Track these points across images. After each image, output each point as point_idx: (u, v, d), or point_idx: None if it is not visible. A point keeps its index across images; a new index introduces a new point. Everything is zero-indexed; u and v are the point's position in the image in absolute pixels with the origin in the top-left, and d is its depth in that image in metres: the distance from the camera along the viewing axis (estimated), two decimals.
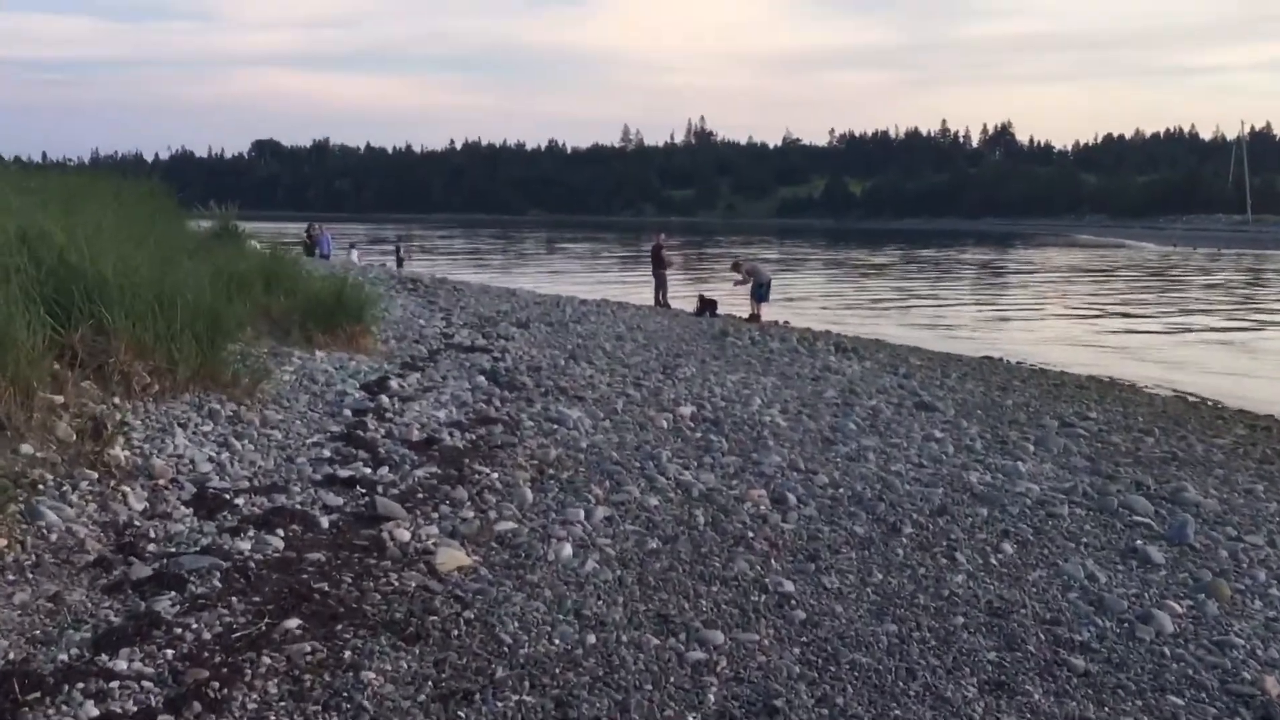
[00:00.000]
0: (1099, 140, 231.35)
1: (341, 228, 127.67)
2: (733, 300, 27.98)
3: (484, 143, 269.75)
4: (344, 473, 7.15)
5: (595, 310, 22.94)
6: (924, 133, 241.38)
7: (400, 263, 41.36)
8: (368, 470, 7.31)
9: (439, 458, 7.96)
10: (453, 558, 5.88)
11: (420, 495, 6.98)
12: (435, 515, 6.63)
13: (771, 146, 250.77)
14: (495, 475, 7.75)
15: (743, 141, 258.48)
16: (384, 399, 9.63)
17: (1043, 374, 19.70)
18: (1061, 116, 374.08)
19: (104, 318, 7.75)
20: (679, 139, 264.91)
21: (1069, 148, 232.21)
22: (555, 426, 9.73)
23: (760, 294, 26.53)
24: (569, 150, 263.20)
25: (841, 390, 14.44)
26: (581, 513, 7.12)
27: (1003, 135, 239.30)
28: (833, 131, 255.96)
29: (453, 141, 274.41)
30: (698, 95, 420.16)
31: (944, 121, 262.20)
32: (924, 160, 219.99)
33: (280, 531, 5.84)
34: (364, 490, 6.86)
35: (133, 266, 9.37)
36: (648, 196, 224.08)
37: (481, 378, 11.63)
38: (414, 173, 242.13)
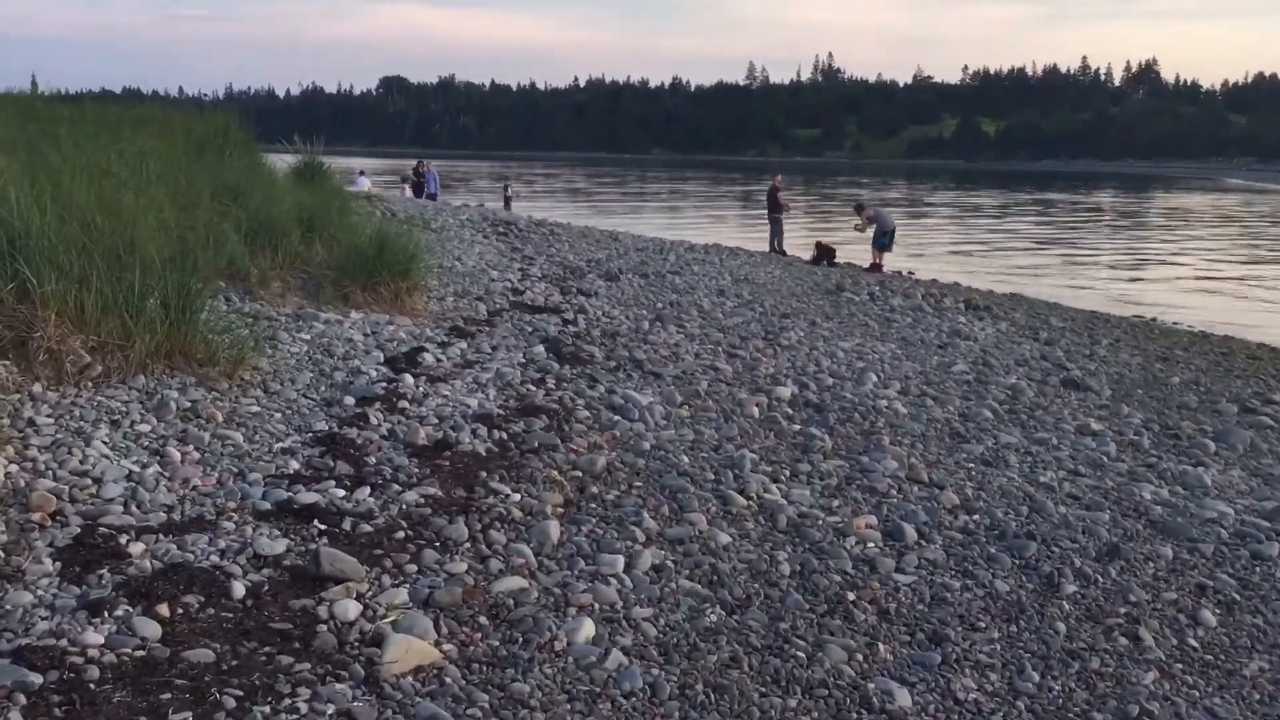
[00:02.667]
0: (1249, 79, 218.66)
1: (465, 165, 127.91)
2: (853, 247, 25.68)
3: (607, 80, 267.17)
4: (306, 496, 5.33)
5: (701, 258, 20.94)
6: (1063, 70, 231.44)
7: (507, 203, 39.66)
8: (340, 492, 5.48)
9: (447, 471, 6.09)
10: (412, 650, 4.03)
11: (399, 534, 5.13)
12: (410, 569, 4.77)
13: (901, 84, 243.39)
14: (517, 497, 5.86)
15: (871, 79, 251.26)
16: (408, 379, 7.82)
17: (1204, 339, 17.13)
18: (1210, 54, 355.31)
19: (25, 278, 6.03)
20: (805, 76, 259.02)
21: (1217, 87, 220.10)
22: (616, 418, 7.81)
23: (883, 242, 24.20)
24: (693, 88, 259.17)
25: (973, 362, 12.26)
26: (621, 560, 5.20)
27: (1147, 73, 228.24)
28: (966, 69, 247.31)
29: (576, 79, 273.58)
30: (825, 31, 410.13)
31: (1084, 58, 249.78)
32: (1062, 99, 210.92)
33: (164, 608, 4.03)
34: (322, 526, 5.03)
35: (115, 211, 7.71)
36: (772, 135, 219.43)
37: (541, 347, 9.78)
38: (537, 110, 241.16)
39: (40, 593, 4.08)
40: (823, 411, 8.97)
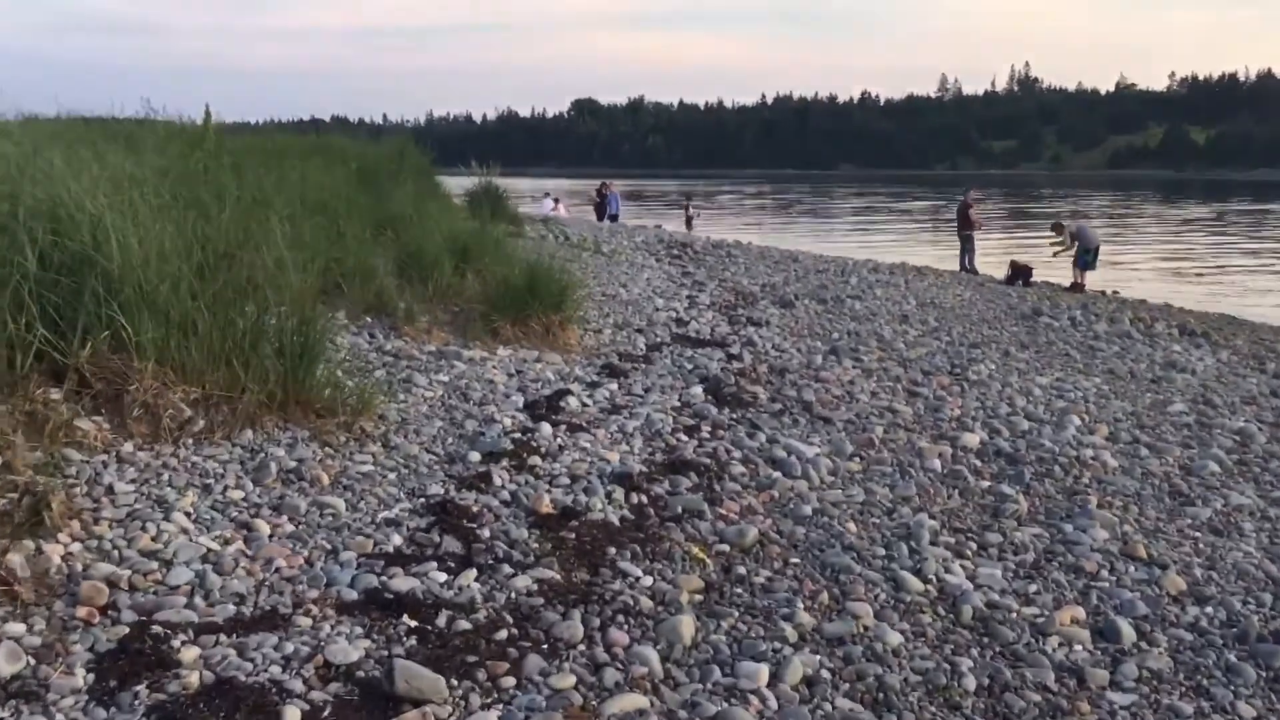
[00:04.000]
0: None
1: (653, 185, 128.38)
2: (1053, 267, 23.99)
3: (795, 96, 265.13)
4: (400, 583, 4.58)
5: (885, 280, 19.77)
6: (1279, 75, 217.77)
7: (689, 223, 38.97)
8: (441, 577, 4.71)
9: (571, 546, 5.27)
10: None
11: (501, 634, 4.32)
12: (506, 683, 3.96)
13: (1103, 92, 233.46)
14: (649, 581, 5.00)
15: (1070, 88, 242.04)
16: (545, 429, 7.06)
17: None
18: None
19: (121, 327, 5.49)
20: (1000, 86, 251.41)
21: None
22: (775, 474, 6.88)
23: (1085, 260, 22.49)
24: (882, 102, 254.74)
25: (1192, 400, 10.81)
26: (765, 670, 4.28)
27: None
28: (1173, 75, 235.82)
29: (763, 96, 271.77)
30: (1021, 40, 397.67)
31: None
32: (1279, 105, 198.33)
33: None
34: (412, 623, 4.27)
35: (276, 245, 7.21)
36: (965, 148, 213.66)
37: (699, 388, 8.93)
38: (724, 128, 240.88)
39: (60, 717, 3.41)
40: (1017, 464, 7.83)
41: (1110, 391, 10.93)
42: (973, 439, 8.34)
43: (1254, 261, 35.26)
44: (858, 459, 7.60)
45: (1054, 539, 6.35)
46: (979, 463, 7.84)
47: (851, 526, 6.15)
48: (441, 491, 5.72)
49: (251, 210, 9.99)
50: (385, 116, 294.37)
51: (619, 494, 6.04)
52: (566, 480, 6.17)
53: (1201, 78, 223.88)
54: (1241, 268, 32.95)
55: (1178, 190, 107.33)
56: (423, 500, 5.58)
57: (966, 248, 25.81)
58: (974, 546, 6.08)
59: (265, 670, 3.80)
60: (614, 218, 37.10)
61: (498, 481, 5.98)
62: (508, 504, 5.70)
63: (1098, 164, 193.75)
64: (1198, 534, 6.64)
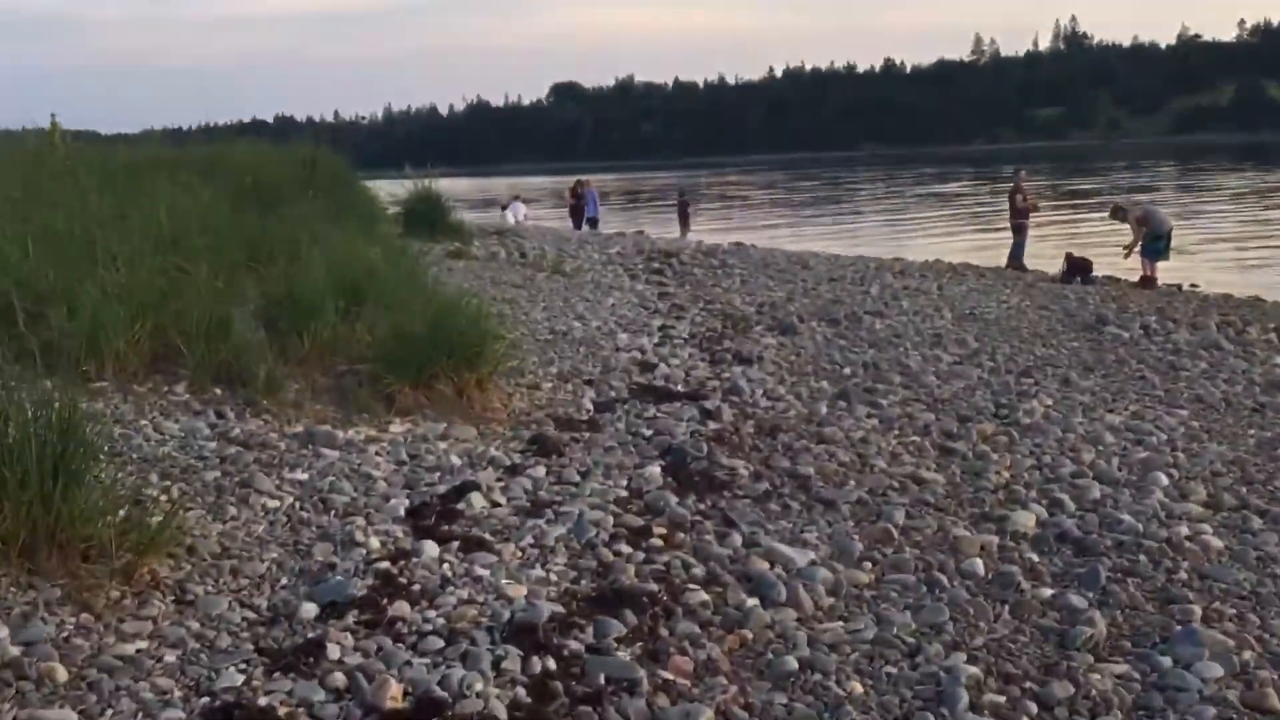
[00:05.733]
0: None
1: (649, 179, 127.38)
2: (1114, 255, 22.82)
3: (808, 68, 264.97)
4: None
5: (915, 286, 18.72)
6: None
7: (684, 223, 37.85)
8: None
9: None
10: None
11: None
12: None
13: (1163, 47, 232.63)
14: None
15: (1125, 43, 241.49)
16: (428, 550, 5.84)
17: None
18: None
19: None
20: (1043, 45, 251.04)
21: None
22: (750, 603, 5.63)
23: (1156, 249, 21.25)
24: (908, 69, 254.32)
25: None
26: None
27: None
28: (1243, 23, 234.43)
29: (771, 70, 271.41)
30: None
31: None
32: None
33: None
34: None
35: None
36: (1006, 118, 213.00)
37: (657, 466, 7.75)
38: (728, 109, 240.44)
39: None
40: (1088, 555, 6.60)
41: (1202, 429, 9.75)
42: (1027, 519, 7.13)
43: None
44: (869, 563, 6.36)
45: (1146, 681, 5.12)
46: (1036, 556, 6.61)
47: (856, 687, 4.90)
48: (240, 681, 4.43)
49: (72, 250, 8.92)
50: (337, 114, 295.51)
51: (514, 661, 4.77)
52: (438, 643, 4.90)
53: (1277, 24, 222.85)
54: None
55: (1255, 156, 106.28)
56: (207, 700, 4.29)
57: (1018, 238, 24.79)
58: (1033, 709, 4.82)
59: None
60: (592, 222, 36.25)
61: (334, 654, 4.71)
62: (338, 697, 4.41)
63: (1161, 129, 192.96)
64: None
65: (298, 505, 6.42)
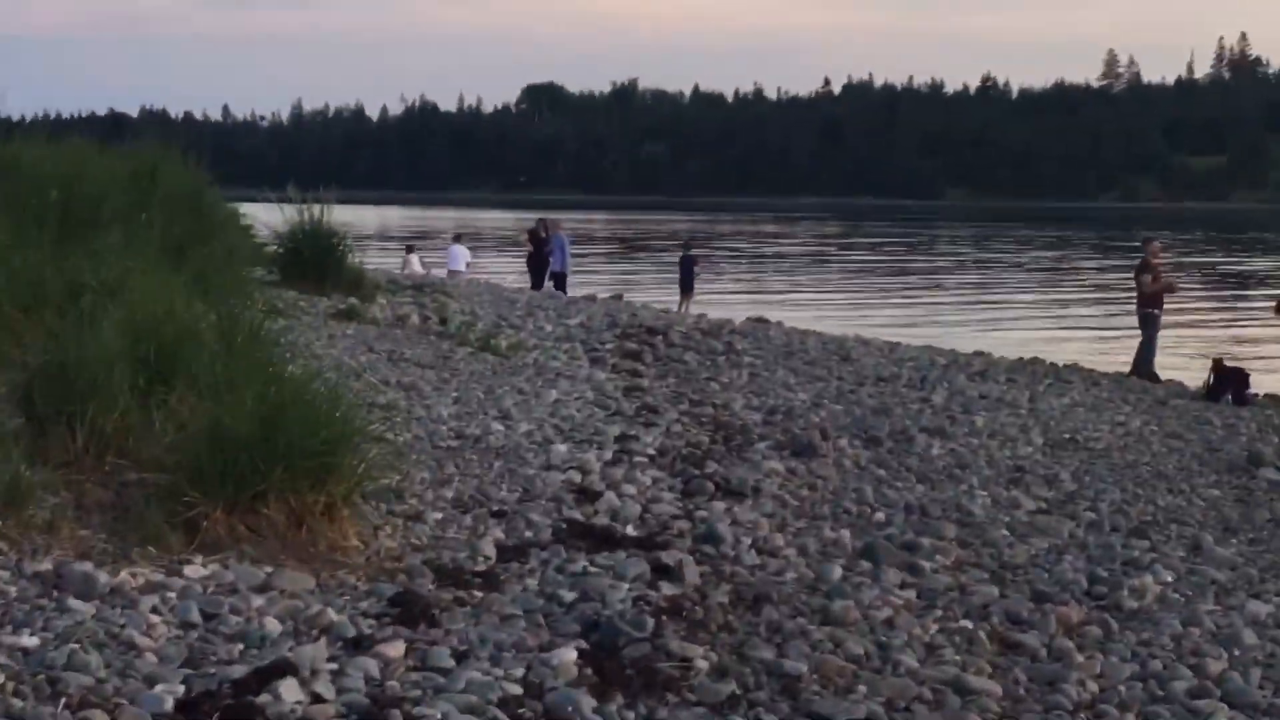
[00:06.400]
0: None
1: (648, 221, 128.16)
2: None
3: (877, 83, 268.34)
4: None
5: (997, 396, 18.69)
6: None
7: (687, 287, 37.78)
8: None
9: None
10: None
11: None
12: None
13: None
14: None
15: None
16: None
17: None
18: None
19: None
20: (1200, 71, 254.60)
21: None
22: None
23: None
24: (1014, 93, 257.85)
25: None
26: None
27: None
28: None
29: (827, 82, 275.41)
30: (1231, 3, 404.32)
31: None
32: None
33: None
34: None
35: None
36: (1145, 165, 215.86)
37: (573, 649, 7.41)
38: (765, 132, 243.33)
39: None
40: None
41: None
42: None
43: None
44: None
45: None
46: None
47: None
48: None
49: None
50: (228, 110, 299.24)
51: None
52: None
53: None
54: None
55: None
56: None
57: (1147, 333, 24.84)
58: None
59: None
60: (558, 278, 36.47)
61: None
62: None
63: None
64: None
65: (9, 688, 5.97)
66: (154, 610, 7.14)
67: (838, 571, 9.51)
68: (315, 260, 21.31)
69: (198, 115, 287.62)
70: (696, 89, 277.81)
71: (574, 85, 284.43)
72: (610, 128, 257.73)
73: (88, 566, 7.49)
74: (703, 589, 8.85)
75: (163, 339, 9.66)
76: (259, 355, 10.29)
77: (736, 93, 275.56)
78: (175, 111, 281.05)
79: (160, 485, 8.43)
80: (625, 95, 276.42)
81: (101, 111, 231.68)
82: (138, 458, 8.82)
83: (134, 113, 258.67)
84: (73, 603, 7.00)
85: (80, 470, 8.59)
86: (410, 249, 42.95)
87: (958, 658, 8.05)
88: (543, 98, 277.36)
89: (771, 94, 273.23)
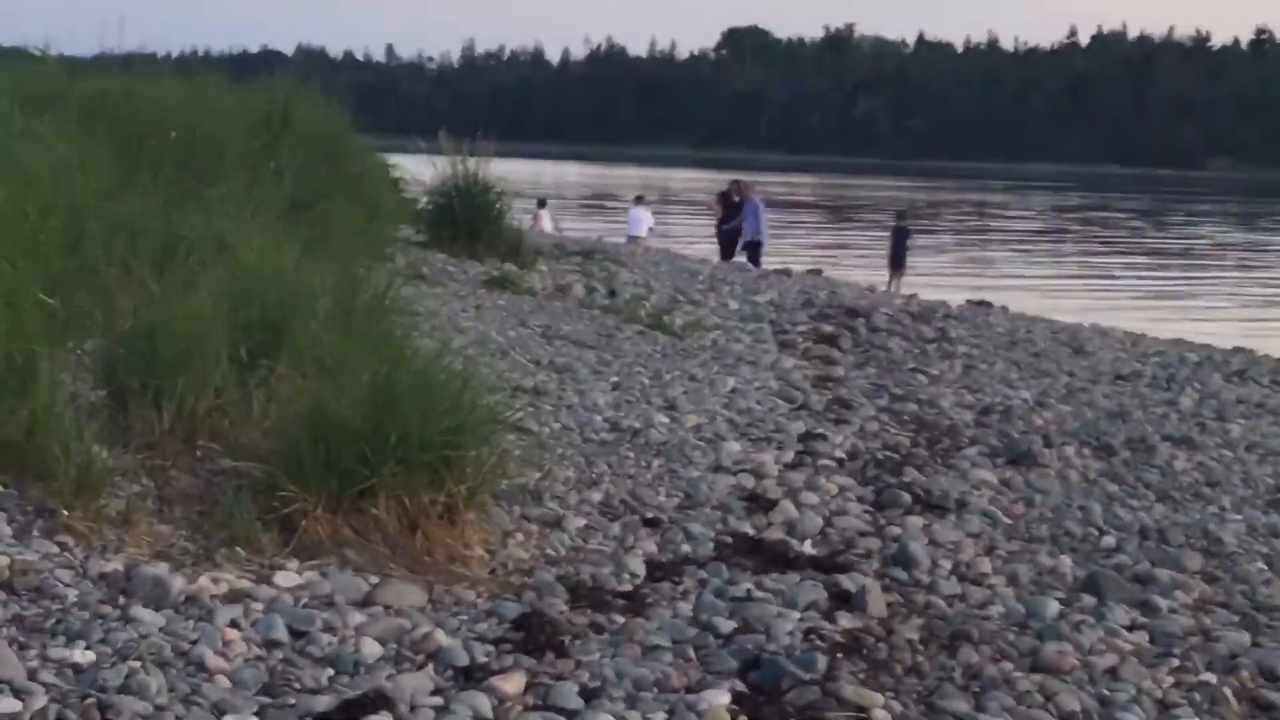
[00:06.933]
0: None
1: (859, 186, 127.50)
2: None
3: (1130, 34, 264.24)
4: None
5: (1259, 401, 18.25)
6: None
7: (897, 261, 37.44)
8: None
9: None
10: None
11: None
12: None
13: None
14: None
15: None
16: None
17: None
18: None
19: None
20: None
21: None
22: None
23: None
24: None
25: None
26: None
27: None
28: None
29: (1073, 32, 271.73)
30: None
31: None
32: None
33: None
34: None
35: None
36: None
37: (726, 690, 7.19)
38: (996, 87, 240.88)
39: None
40: None
41: None
42: None
43: None
44: None
45: None
46: None
47: None
48: None
49: None
50: (391, 50, 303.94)
51: None
52: None
53: None
54: None
55: None
56: None
57: None
58: None
59: None
60: (752, 248, 36.25)
61: None
62: None
63: None
64: None
65: (50, 712, 5.79)
66: (233, 624, 6.97)
67: (1053, 607, 9.14)
68: (468, 220, 21.28)
69: (358, 55, 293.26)
70: (921, 37, 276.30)
71: (782, 30, 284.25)
72: (821, 79, 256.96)
73: (162, 569, 7.36)
74: (889, 622, 8.56)
75: (267, 305, 9.60)
76: (380, 327, 10.16)
77: (967, 42, 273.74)
78: (334, 50, 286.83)
79: (253, 476, 8.33)
80: (839, 42, 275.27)
81: (254, 49, 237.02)
82: (232, 443, 8.76)
83: (289, 51, 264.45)
84: (138, 611, 6.87)
85: (165, 455, 8.57)
86: (542, 203, 42.81)
87: (1197, 719, 7.72)
88: (745, 43, 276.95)
89: (1007, 44, 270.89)
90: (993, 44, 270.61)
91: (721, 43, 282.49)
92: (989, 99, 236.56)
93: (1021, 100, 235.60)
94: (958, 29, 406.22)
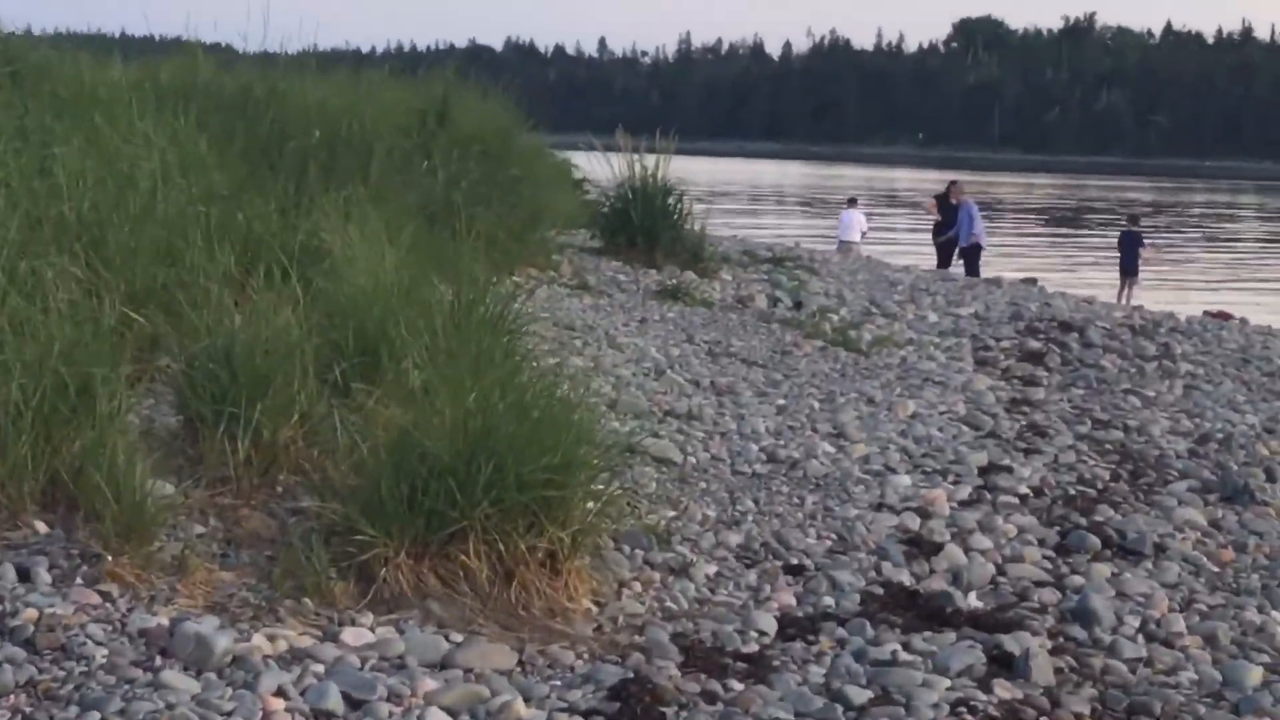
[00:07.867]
0: None
1: (1103, 185, 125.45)
2: None
3: None
4: None
5: None
6: None
7: (1129, 268, 36.46)
8: None
9: None
10: None
11: None
12: None
13: None
14: None
15: None
16: None
17: None
18: None
19: None
20: None
21: None
22: None
23: None
24: None
25: None
26: None
27: None
28: None
29: None
30: None
31: None
32: None
33: None
34: None
35: None
36: None
37: None
38: (1250, 80, 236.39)
39: None
40: None
41: None
42: None
43: None
44: None
45: None
46: None
47: None
48: None
49: None
50: (604, 43, 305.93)
51: None
52: None
53: None
54: None
55: None
56: None
57: None
58: None
59: None
60: (968, 254, 35.52)
61: None
62: None
63: None
64: None
65: None
66: (279, 692, 6.42)
67: (1256, 674, 8.42)
68: (645, 224, 20.90)
69: (569, 49, 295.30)
70: (1169, 26, 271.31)
71: (1017, 20, 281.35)
72: (1059, 72, 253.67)
73: (211, 623, 6.85)
74: (1055, 692, 7.88)
75: (368, 323, 9.20)
76: (492, 347, 9.67)
77: (1219, 31, 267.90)
78: (544, 45, 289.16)
79: (327, 517, 7.90)
80: (1079, 33, 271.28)
81: (461, 44, 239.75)
82: (317, 479, 8.40)
83: (498, 45, 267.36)
84: (171, 676, 6.36)
85: (238, 491, 8.23)
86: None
87: None
88: (978, 34, 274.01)
89: (1263, 34, 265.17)
90: (1247, 34, 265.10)
91: (952, 34, 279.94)
92: (1243, 92, 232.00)
93: (1278, 94, 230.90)
94: (1208, 18, 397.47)
